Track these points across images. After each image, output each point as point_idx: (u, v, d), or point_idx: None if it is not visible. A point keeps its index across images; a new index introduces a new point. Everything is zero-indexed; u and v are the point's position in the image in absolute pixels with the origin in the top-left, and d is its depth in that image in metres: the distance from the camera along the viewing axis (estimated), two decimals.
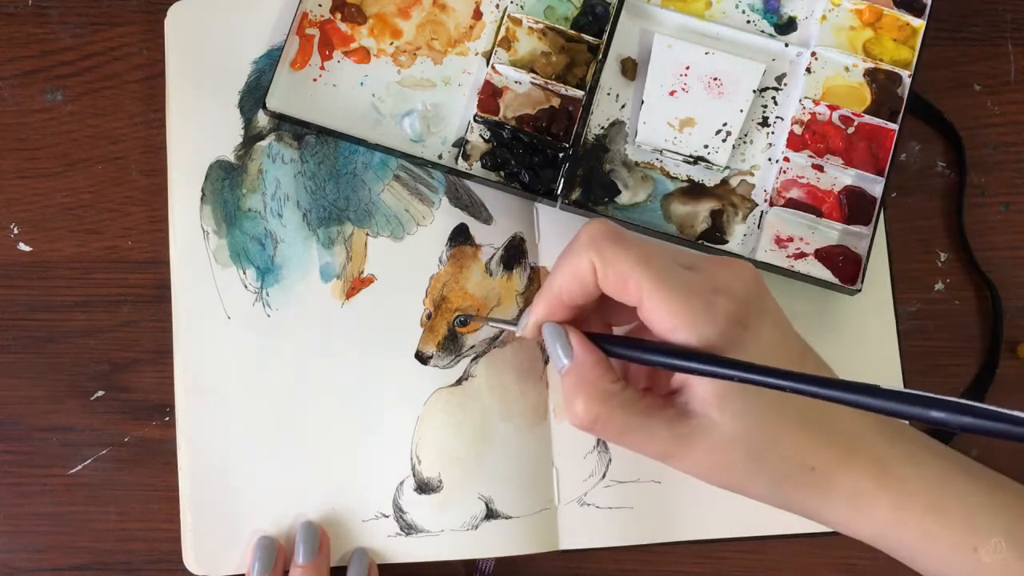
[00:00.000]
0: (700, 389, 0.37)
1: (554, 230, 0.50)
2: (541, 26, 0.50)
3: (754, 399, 0.36)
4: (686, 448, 0.37)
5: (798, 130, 0.49)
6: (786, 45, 0.50)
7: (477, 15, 0.51)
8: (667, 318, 0.36)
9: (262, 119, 0.50)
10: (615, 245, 0.37)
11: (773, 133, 0.50)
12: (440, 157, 0.50)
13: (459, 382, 0.49)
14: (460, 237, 0.50)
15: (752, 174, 0.50)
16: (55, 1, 0.52)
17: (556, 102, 0.49)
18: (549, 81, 0.49)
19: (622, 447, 0.38)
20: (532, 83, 0.49)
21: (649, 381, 0.42)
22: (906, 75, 0.49)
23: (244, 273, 0.49)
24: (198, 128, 0.50)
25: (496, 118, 0.49)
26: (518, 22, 0.50)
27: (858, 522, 0.38)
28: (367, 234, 0.50)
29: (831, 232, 0.48)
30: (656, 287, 0.36)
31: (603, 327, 0.42)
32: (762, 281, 0.38)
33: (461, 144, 0.50)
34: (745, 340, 0.36)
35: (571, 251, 0.38)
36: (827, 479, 0.37)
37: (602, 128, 0.50)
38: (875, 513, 0.37)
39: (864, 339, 0.49)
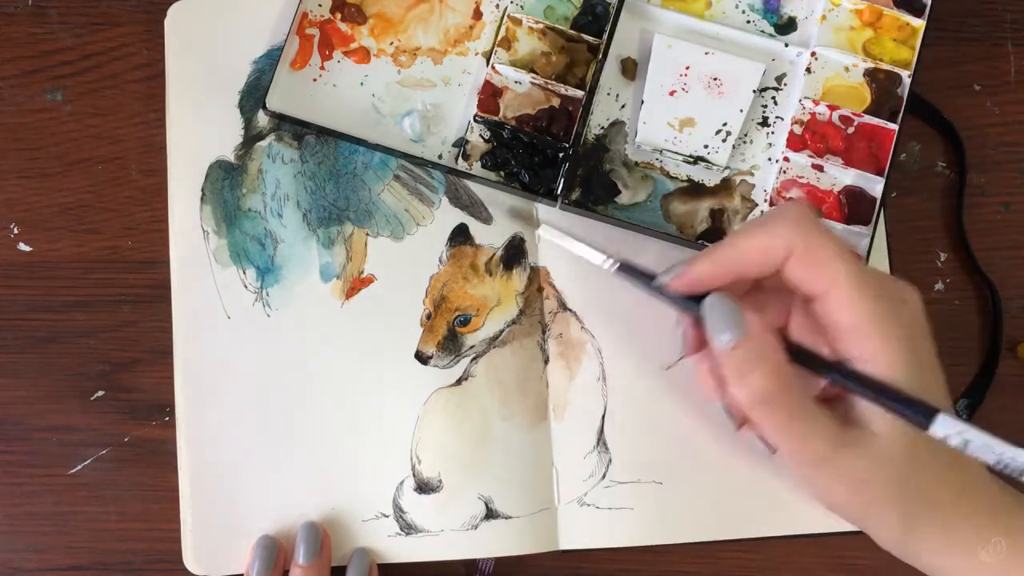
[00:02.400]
0: (869, 409, 0.36)
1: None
2: (541, 26, 0.50)
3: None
4: (842, 455, 0.36)
5: (798, 130, 0.49)
6: (786, 45, 0.50)
7: (477, 15, 0.51)
8: (853, 314, 0.36)
9: (262, 119, 0.50)
10: (820, 232, 0.37)
11: (773, 133, 0.50)
12: (440, 157, 0.50)
13: (459, 382, 0.49)
14: (460, 237, 0.50)
15: (752, 174, 0.50)
16: (55, 1, 0.52)
17: (556, 102, 0.49)
18: (549, 81, 0.49)
19: (776, 442, 0.37)
20: (532, 83, 0.49)
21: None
22: (906, 75, 0.49)
23: (244, 273, 0.49)
24: (198, 128, 0.50)
25: (496, 118, 0.49)
26: (518, 22, 0.50)
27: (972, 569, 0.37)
28: (367, 234, 0.50)
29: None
30: (853, 280, 0.36)
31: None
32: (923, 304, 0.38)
33: (461, 144, 0.50)
34: (912, 358, 0.36)
35: (767, 226, 0.37)
36: (951, 518, 0.37)
37: (602, 128, 0.50)
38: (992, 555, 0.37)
39: None
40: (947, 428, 0.34)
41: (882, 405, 0.36)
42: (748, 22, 0.51)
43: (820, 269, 0.36)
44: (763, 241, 0.37)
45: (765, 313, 0.40)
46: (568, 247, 0.44)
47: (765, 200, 0.49)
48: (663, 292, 0.40)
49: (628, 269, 0.41)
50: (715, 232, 0.49)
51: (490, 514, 0.48)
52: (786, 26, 0.51)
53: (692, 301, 0.39)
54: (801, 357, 0.38)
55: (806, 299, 0.38)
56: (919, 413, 0.35)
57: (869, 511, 0.37)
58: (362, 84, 0.51)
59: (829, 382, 0.38)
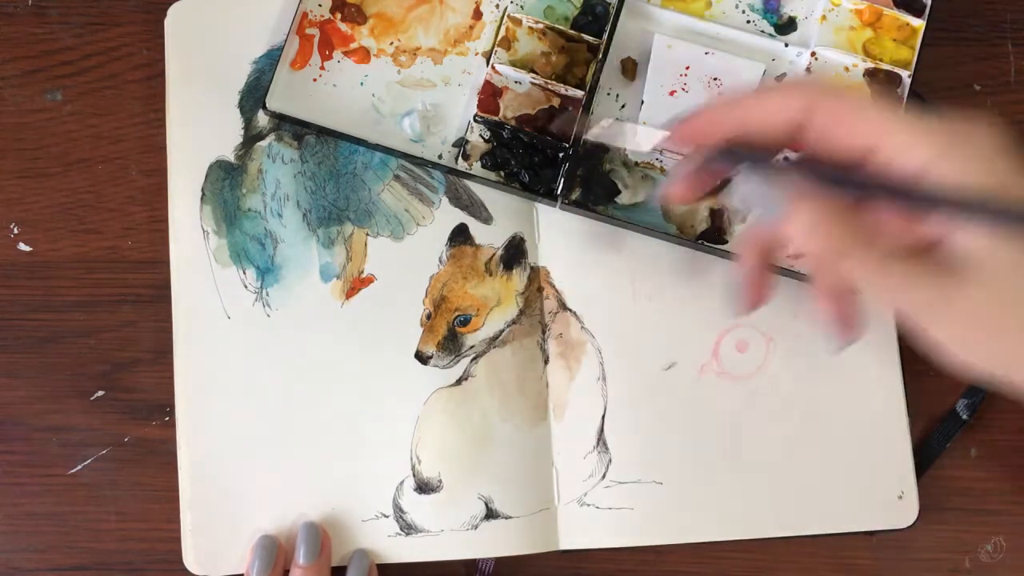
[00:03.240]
0: (965, 241, 0.31)
1: (554, 230, 0.50)
2: (541, 26, 0.50)
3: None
4: (955, 297, 0.31)
5: None
6: (786, 45, 0.50)
7: (477, 15, 0.51)
8: (922, 149, 0.31)
9: (262, 119, 0.50)
10: (840, 94, 0.33)
11: None
12: (440, 157, 0.50)
13: (459, 382, 0.49)
14: (460, 237, 0.50)
15: None
16: (55, 1, 0.52)
17: (556, 102, 0.49)
18: (549, 81, 0.49)
19: (877, 293, 0.33)
20: (532, 83, 0.49)
21: None
22: (906, 75, 0.49)
23: (244, 273, 0.49)
24: (198, 128, 0.50)
25: (496, 118, 0.49)
26: (518, 22, 0.50)
27: None
28: (367, 234, 0.50)
29: None
30: (903, 119, 0.32)
31: None
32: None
33: (461, 144, 0.50)
34: (1001, 178, 0.31)
35: (781, 90, 0.33)
36: None
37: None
38: None
39: (864, 339, 0.49)
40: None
41: (971, 214, 0.31)
42: (748, 22, 0.51)
43: (859, 118, 0.32)
44: (780, 103, 0.33)
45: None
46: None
47: None
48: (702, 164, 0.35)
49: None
50: (715, 232, 0.49)
51: (490, 514, 0.48)
52: (786, 26, 0.51)
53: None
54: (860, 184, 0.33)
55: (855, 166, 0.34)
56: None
57: (1002, 345, 0.32)
58: (362, 84, 0.51)
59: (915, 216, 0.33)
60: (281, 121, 0.50)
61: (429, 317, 0.49)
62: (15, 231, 0.51)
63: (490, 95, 0.50)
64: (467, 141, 0.50)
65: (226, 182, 0.50)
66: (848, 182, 0.33)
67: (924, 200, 0.32)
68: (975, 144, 0.32)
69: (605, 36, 0.49)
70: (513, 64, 0.50)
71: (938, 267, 0.32)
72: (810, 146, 0.33)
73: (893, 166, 0.32)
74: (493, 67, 0.50)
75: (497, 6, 0.51)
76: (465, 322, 0.49)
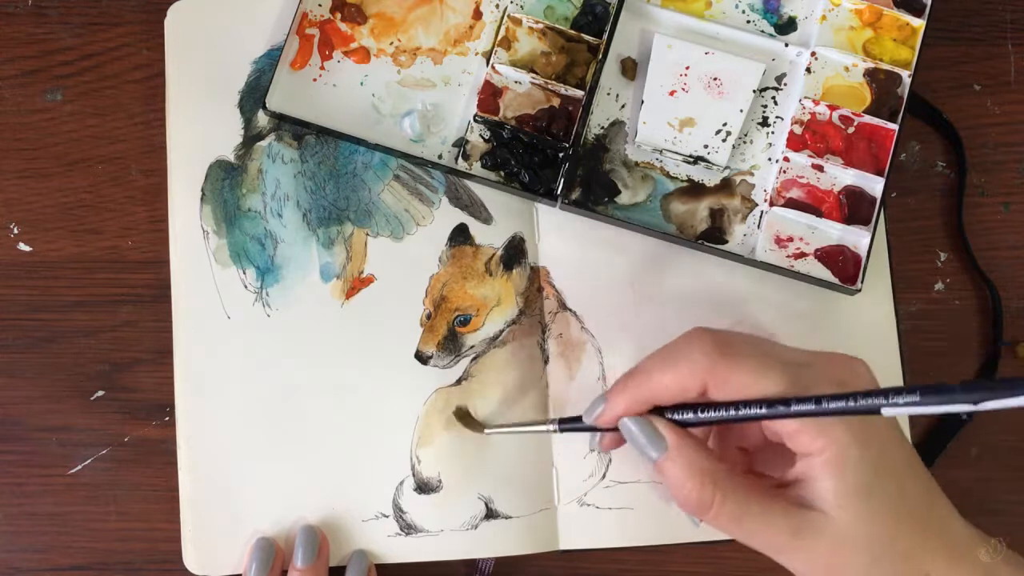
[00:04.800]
0: (821, 485, 0.36)
1: (554, 230, 0.50)
2: (541, 26, 0.50)
3: (878, 497, 0.35)
4: (803, 542, 0.36)
5: (798, 130, 0.49)
6: (786, 45, 0.50)
7: (477, 15, 0.51)
8: (790, 421, 0.36)
9: (262, 119, 0.50)
10: (730, 360, 0.37)
11: (773, 133, 0.50)
12: (440, 157, 0.50)
13: (459, 382, 0.49)
14: (460, 237, 0.50)
15: (752, 174, 0.50)
16: (55, 1, 0.52)
17: (556, 102, 0.49)
18: (549, 81, 0.49)
19: (735, 536, 0.37)
20: (532, 83, 0.49)
21: (749, 465, 0.41)
22: (906, 75, 0.49)
23: (244, 273, 0.49)
24: (198, 128, 0.50)
25: (496, 118, 0.49)
26: (518, 22, 0.50)
27: None
28: (367, 234, 0.50)
29: (831, 232, 0.48)
30: (780, 393, 0.36)
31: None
32: (873, 375, 0.38)
33: (461, 144, 0.50)
34: (866, 439, 0.36)
35: (675, 362, 0.38)
36: None
37: (602, 128, 0.50)
38: None
39: (864, 339, 0.49)
40: (896, 408, 0.33)
41: (829, 413, 0.35)
42: (748, 22, 0.51)
43: (745, 392, 0.36)
44: (673, 379, 0.38)
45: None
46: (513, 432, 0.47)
47: (765, 200, 0.49)
48: (583, 428, 0.41)
49: (566, 423, 0.43)
50: (715, 232, 0.49)
51: (490, 514, 0.48)
52: (786, 26, 0.51)
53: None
54: (705, 413, 0.38)
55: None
56: (867, 398, 0.34)
57: None
58: (362, 84, 0.51)
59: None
60: (281, 121, 0.50)
61: (429, 317, 0.49)
62: (15, 231, 0.51)
63: (490, 95, 0.50)
64: (467, 141, 0.50)
65: (226, 182, 0.50)
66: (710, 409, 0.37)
67: (781, 405, 0.36)
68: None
69: (605, 36, 0.49)
70: (513, 64, 0.50)
71: (789, 513, 0.36)
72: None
73: (774, 429, 0.37)
74: (493, 67, 0.50)
75: (497, 6, 0.51)
76: (465, 322, 0.49)
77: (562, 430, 0.43)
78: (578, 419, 0.41)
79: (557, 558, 0.49)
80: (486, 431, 0.47)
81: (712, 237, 0.49)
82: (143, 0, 0.52)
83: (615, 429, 0.39)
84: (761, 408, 0.36)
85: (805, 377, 0.36)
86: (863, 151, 0.48)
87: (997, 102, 0.52)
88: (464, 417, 0.48)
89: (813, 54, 0.49)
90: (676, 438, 0.38)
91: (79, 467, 0.49)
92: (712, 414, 0.37)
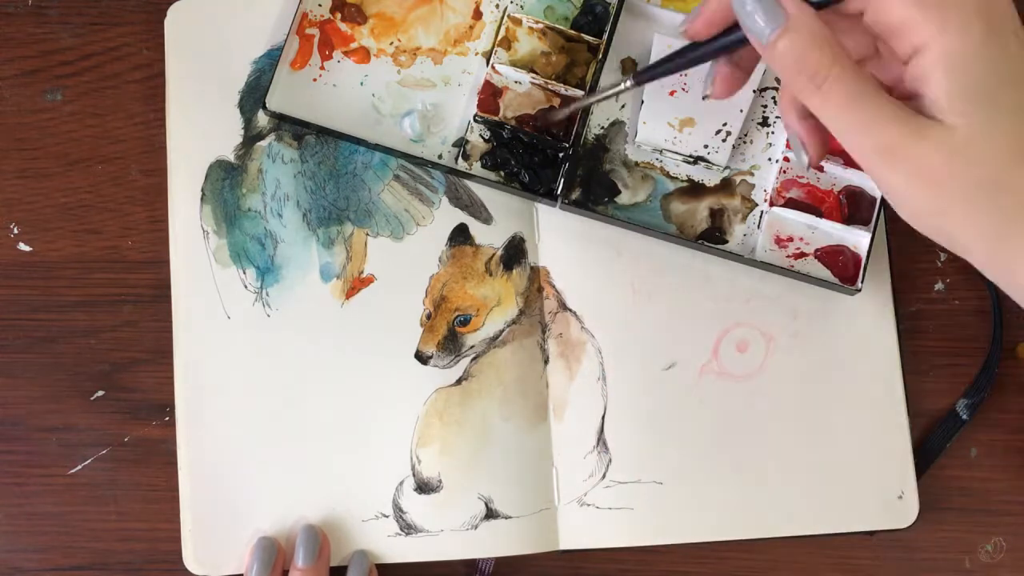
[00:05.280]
0: (934, 88, 0.32)
1: (554, 230, 0.50)
2: (541, 26, 0.50)
3: (1004, 114, 0.31)
4: (915, 147, 0.31)
5: None
6: None
7: (477, 15, 0.51)
8: (902, 5, 0.32)
9: (262, 119, 0.50)
10: None
11: (773, 133, 0.50)
12: (440, 157, 0.50)
13: (459, 382, 0.49)
14: (460, 237, 0.50)
15: (752, 174, 0.50)
16: (55, 1, 0.52)
17: (556, 102, 0.49)
18: (549, 81, 0.49)
19: (838, 127, 0.33)
20: (532, 83, 0.49)
21: None
22: None
23: (244, 273, 0.49)
24: (198, 128, 0.50)
25: (496, 118, 0.49)
26: (518, 22, 0.50)
27: None
28: (367, 234, 0.50)
29: (831, 232, 0.48)
30: None
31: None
32: None
33: (461, 144, 0.50)
34: (989, 35, 0.31)
35: None
36: None
37: (602, 128, 0.50)
38: None
39: (864, 339, 0.49)
40: None
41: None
42: None
43: None
44: None
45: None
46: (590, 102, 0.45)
47: (765, 200, 0.49)
48: (693, 53, 0.38)
49: (644, 73, 0.41)
50: (715, 232, 0.49)
51: (490, 514, 0.48)
52: None
53: (719, 42, 0.37)
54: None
55: (853, 17, 0.34)
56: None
57: (947, 214, 0.32)
58: (362, 84, 0.51)
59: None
60: (281, 121, 0.50)
61: (429, 317, 0.49)
62: (15, 231, 0.51)
63: (490, 95, 0.50)
64: (467, 141, 0.50)
65: (226, 182, 0.50)
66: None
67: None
68: (962, 6, 0.31)
69: (605, 36, 0.49)
70: (513, 64, 0.50)
71: (905, 113, 0.32)
72: None
73: (880, 25, 0.33)
74: (493, 67, 0.50)
75: (497, 6, 0.51)
76: (465, 322, 0.49)
77: (638, 82, 0.40)
78: (649, 67, 0.40)
79: (557, 558, 0.49)
80: (557, 114, 0.47)
81: (712, 237, 0.49)
82: (143, 0, 0.52)
83: (720, 45, 0.36)
84: None
85: None
86: None
87: None
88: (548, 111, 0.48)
89: None
90: (797, 7, 0.33)
91: (79, 467, 0.49)
92: None
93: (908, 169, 0.32)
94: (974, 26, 0.31)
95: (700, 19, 0.36)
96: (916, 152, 0.32)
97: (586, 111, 0.49)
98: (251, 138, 0.50)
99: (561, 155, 0.49)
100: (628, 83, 0.42)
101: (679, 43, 0.49)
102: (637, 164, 0.50)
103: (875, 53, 0.37)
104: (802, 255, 0.48)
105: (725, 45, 0.37)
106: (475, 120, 0.50)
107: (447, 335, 0.49)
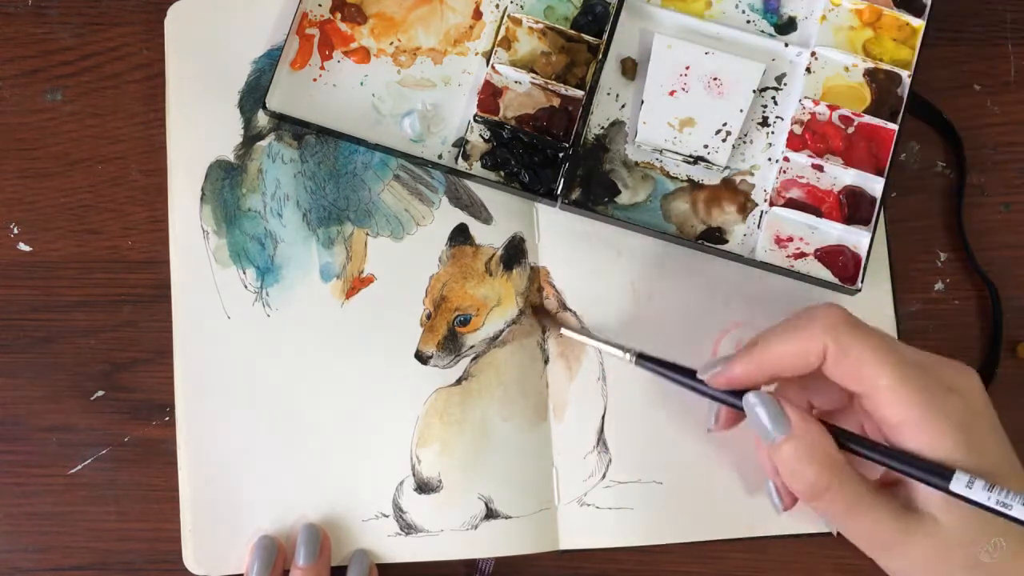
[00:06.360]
0: (926, 489, 0.36)
1: (554, 230, 0.50)
2: (541, 26, 0.50)
3: (982, 510, 0.36)
4: (908, 542, 0.37)
5: (798, 130, 0.49)
6: (786, 45, 0.50)
7: (477, 15, 0.51)
8: (900, 412, 0.36)
9: (262, 119, 0.50)
10: (855, 334, 0.37)
11: (773, 133, 0.50)
12: (440, 157, 0.50)
13: (459, 382, 0.49)
14: (460, 237, 0.50)
15: (752, 174, 0.50)
16: (55, 1, 0.52)
17: (556, 102, 0.49)
18: (549, 81, 0.49)
19: (837, 527, 0.38)
20: (532, 83, 0.49)
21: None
22: (906, 75, 0.49)
23: (244, 273, 0.49)
24: (198, 128, 0.50)
25: (496, 118, 0.49)
26: (518, 22, 0.50)
27: None
28: (367, 234, 0.50)
29: (831, 232, 0.48)
30: (895, 380, 0.36)
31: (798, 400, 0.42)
32: (983, 387, 0.39)
33: (461, 144, 0.50)
34: (970, 444, 0.36)
35: (801, 328, 0.38)
36: None
37: (602, 128, 0.50)
38: None
39: None
40: (962, 486, 0.35)
41: (906, 474, 0.36)
42: (748, 22, 0.51)
43: (859, 371, 0.37)
44: (796, 346, 0.38)
45: (818, 394, 0.42)
46: (588, 343, 0.46)
47: (765, 200, 0.49)
48: (699, 387, 0.41)
49: (649, 360, 0.43)
50: (715, 232, 0.49)
51: (490, 514, 0.48)
52: (786, 26, 0.51)
53: (730, 394, 0.40)
54: (846, 442, 0.38)
55: (852, 394, 0.39)
56: (936, 475, 0.36)
57: None
58: (362, 84, 0.51)
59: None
60: (281, 121, 0.50)
61: (429, 317, 0.49)
62: (15, 231, 0.51)
63: (490, 95, 0.50)
64: (467, 141, 0.50)
65: (226, 182, 0.50)
66: (833, 430, 0.38)
67: (893, 459, 0.37)
68: (950, 414, 0.36)
69: (605, 36, 0.49)
70: (513, 64, 0.50)
71: (898, 511, 0.37)
72: (824, 374, 0.38)
73: (877, 413, 0.37)
74: (493, 67, 0.50)
75: (497, 6, 0.51)
76: (465, 322, 0.49)
77: (638, 363, 0.43)
78: (657, 360, 0.42)
79: (557, 558, 0.49)
80: (562, 331, 0.47)
81: (712, 237, 0.49)
82: (143, 0, 0.52)
83: (725, 399, 0.40)
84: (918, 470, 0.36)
85: (916, 378, 0.36)
86: (863, 151, 0.48)
87: (997, 102, 0.52)
88: (539, 311, 0.48)
89: (813, 54, 0.49)
90: (800, 420, 0.38)
91: (79, 467, 0.49)
92: (863, 449, 0.38)
93: (905, 560, 0.37)
94: (961, 442, 0.36)
95: (719, 380, 0.40)
96: (911, 547, 0.37)
97: (587, 111, 0.49)
98: (251, 138, 0.50)
99: (561, 155, 0.49)
100: (629, 357, 0.43)
101: (678, 43, 0.49)
102: (637, 164, 0.50)
103: (849, 405, 0.41)
104: (802, 255, 0.48)
105: (733, 405, 0.40)
106: (475, 120, 0.50)
107: (447, 335, 0.49)
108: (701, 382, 0.41)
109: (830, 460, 0.37)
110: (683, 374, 0.42)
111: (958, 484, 0.35)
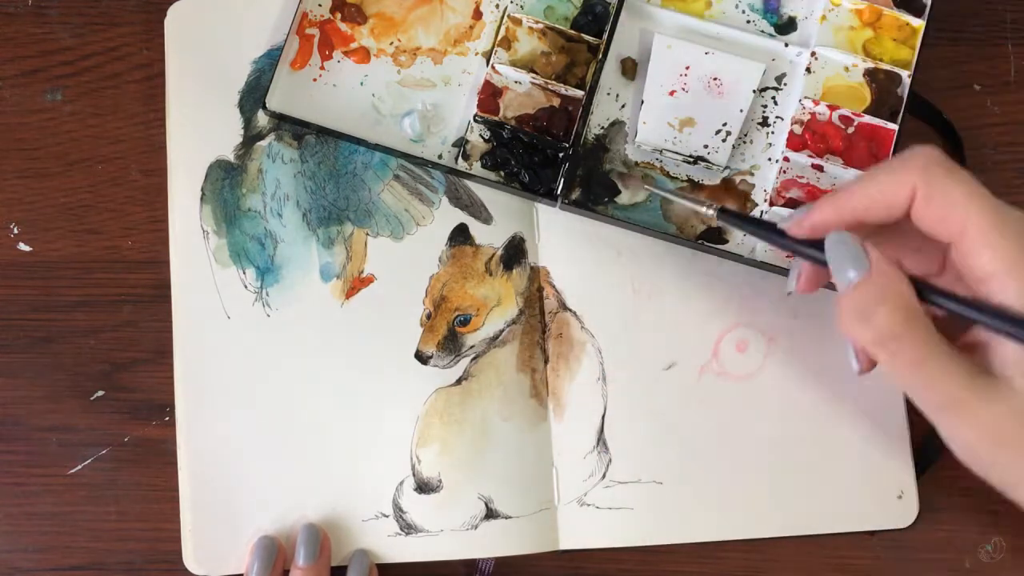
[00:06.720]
0: (1008, 352, 0.34)
1: (554, 230, 0.50)
2: (541, 26, 0.50)
3: None
4: (979, 406, 0.33)
5: (798, 130, 0.49)
6: (786, 45, 0.50)
7: (477, 15, 0.51)
8: (989, 261, 0.34)
9: (262, 119, 0.50)
10: (948, 174, 0.35)
11: (773, 133, 0.50)
12: (440, 157, 0.50)
13: (459, 382, 0.49)
14: (460, 237, 0.50)
15: (752, 174, 0.50)
16: (55, 1, 0.53)
17: (556, 102, 0.49)
18: (549, 81, 0.49)
19: (904, 384, 0.35)
20: (532, 83, 0.49)
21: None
22: (906, 75, 0.49)
23: (244, 273, 0.49)
24: (198, 128, 0.50)
25: (496, 118, 0.49)
26: (518, 22, 0.50)
27: None
28: (367, 234, 0.50)
29: None
30: (985, 225, 0.34)
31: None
32: None
33: (461, 144, 0.50)
34: None
35: (891, 169, 0.36)
36: None
37: (602, 128, 0.50)
38: None
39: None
40: None
41: (995, 328, 0.34)
42: (748, 22, 0.51)
43: (949, 214, 0.34)
44: (886, 187, 0.36)
45: (908, 255, 0.39)
46: (673, 199, 0.45)
47: (765, 200, 0.49)
48: (781, 240, 0.39)
49: (730, 214, 0.41)
50: (715, 232, 0.49)
51: (490, 514, 0.48)
52: (786, 26, 0.51)
53: (810, 244, 0.38)
54: (928, 293, 0.35)
55: (942, 245, 0.36)
56: None
57: (1012, 469, 0.35)
58: (362, 84, 0.51)
59: (965, 324, 0.36)
60: (281, 121, 0.50)
61: (429, 317, 0.49)
62: (15, 231, 0.51)
63: (490, 95, 0.50)
64: (467, 141, 0.50)
65: (226, 182, 0.50)
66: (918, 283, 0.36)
67: (978, 310, 0.34)
68: None
69: (605, 36, 0.49)
70: (513, 64, 0.50)
71: (972, 370, 0.34)
72: (913, 222, 0.36)
73: (964, 264, 0.35)
74: (493, 67, 0.50)
75: (497, 6, 0.51)
76: (465, 322, 0.49)
77: (719, 218, 0.42)
78: (738, 213, 0.41)
79: (557, 558, 0.49)
80: (644, 185, 0.47)
81: (712, 237, 0.49)
82: (143, 0, 0.52)
83: (806, 250, 0.38)
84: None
85: (1010, 226, 0.34)
86: (863, 151, 0.48)
87: (997, 102, 0.52)
88: (620, 175, 0.48)
89: (813, 54, 0.49)
90: (884, 264, 0.35)
91: (79, 467, 0.49)
92: (947, 301, 0.35)
93: (976, 428, 0.34)
94: None
95: (803, 225, 0.38)
96: (984, 412, 0.33)
97: (587, 111, 0.49)
98: (251, 138, 0.50)
99: (561, 155, 0.49)
100: (711, 211, 0.42)
101: (678, 43, 0.49)
102: (637, 164, 0.50)
103: (941, 272, 0.38)
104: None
105: (814, 258, 0.38)
106: (475, 120, 0.50)
107: (447, 335, 0.49)
108: (783, 233, 0.38)
109: (905, 306, 0.34)
110: (765, 228, 0.40)
111: None
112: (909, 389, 0.35)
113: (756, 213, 0.49)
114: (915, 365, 0.34)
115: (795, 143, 0.49)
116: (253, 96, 0.50)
